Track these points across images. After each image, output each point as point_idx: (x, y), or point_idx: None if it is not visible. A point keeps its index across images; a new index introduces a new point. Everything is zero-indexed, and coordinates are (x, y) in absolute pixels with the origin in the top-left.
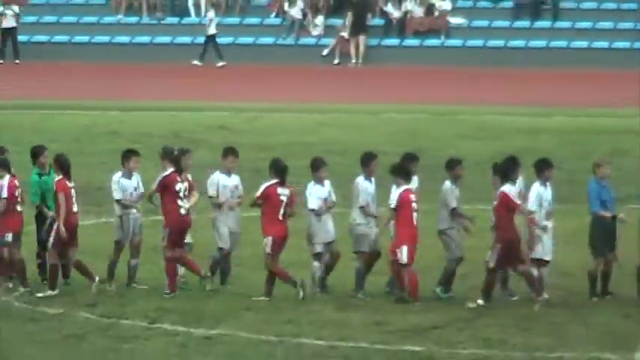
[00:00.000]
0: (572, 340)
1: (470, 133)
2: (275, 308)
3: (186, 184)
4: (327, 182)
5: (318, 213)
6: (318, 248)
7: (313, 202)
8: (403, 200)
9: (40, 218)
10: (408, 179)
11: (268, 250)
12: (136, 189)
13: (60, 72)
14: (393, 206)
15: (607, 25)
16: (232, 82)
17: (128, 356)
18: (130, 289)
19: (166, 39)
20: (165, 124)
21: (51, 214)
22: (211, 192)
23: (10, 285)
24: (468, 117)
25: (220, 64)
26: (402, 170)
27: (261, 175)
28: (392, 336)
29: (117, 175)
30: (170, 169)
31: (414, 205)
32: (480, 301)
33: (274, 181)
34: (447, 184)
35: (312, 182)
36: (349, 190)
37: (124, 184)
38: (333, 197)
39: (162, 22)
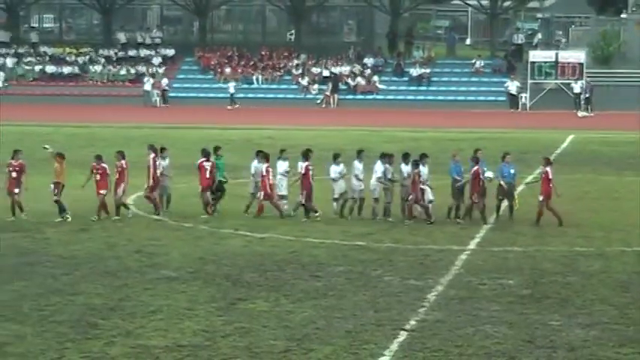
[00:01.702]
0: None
1: (389, 140)
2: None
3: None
4: (342, 164)
5: (335, 179)
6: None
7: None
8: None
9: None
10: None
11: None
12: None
13: None
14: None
15: None
16: (276, 117)
17: (224, 246)
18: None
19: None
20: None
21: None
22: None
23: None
24: (390, 133)
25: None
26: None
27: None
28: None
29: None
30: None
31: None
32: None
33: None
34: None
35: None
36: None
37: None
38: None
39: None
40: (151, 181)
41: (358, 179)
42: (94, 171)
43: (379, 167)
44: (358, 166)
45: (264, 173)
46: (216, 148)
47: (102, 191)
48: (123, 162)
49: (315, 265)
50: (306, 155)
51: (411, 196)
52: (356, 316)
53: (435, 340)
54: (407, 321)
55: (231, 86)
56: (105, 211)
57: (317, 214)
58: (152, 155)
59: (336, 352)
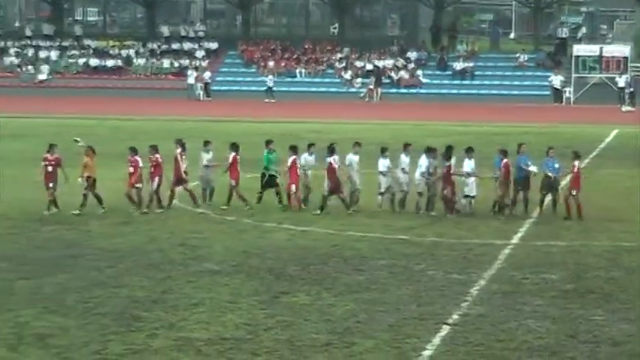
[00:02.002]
0: None
1: (432, 134)
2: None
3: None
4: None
5: (383, 173)
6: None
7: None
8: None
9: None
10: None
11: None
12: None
13: None
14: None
15: None
16: (319, 110)
17: (267, 240)
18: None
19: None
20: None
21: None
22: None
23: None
24: (434, 127)
25: (268, 100)
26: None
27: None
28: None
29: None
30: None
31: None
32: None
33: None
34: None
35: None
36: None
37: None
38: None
39: None
40: (178, 174)
41: (404, 172)
42: (128, 164)
43: (424, 161)
44: (405, 159)
45: (289, 165)
46: (268, 142)
47: (137, 185)
48: (157, 156)
49: (358, 258)
50: (331, 150)
51: (446, 190)
52: (398, 309)
53: (477, 334)
54: (449, 315)
55: (269, 80)
56: (132, 202)
57: (351, 210)
58: (179, 150)
59: (378, 346)
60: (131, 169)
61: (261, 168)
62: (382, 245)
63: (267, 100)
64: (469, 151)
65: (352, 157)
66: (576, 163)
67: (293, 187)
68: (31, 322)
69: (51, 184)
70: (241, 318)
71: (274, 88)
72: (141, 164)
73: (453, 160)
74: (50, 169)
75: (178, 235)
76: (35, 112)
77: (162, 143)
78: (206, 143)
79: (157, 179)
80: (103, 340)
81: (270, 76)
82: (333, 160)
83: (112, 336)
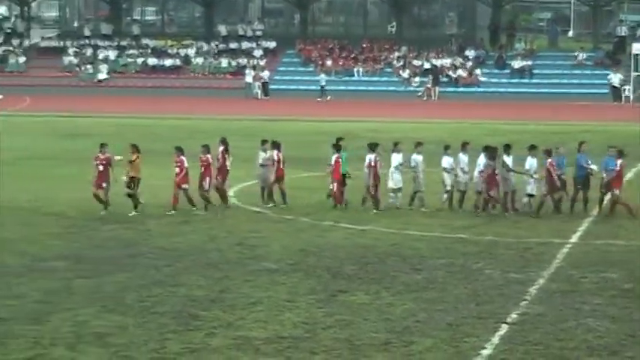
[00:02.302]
0: None
1: (490, 133)
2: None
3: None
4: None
5: (447, 170)
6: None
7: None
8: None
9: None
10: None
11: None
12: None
13: None
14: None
15: None
16: (377, 109)
17: (325, 239)
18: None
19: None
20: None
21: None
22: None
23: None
24: (492, 126)
25: (321, 99)
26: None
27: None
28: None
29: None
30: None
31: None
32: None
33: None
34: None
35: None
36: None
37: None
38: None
39: None
40: (219, 172)
41: (464, 172)
42: (174, 163)
43: (482, 160)
44: (463, 158)
45: (332, 163)
46: (338, 140)
47: (183, 185)
48: (208, 156)
49: (416, 257)
50: (372, 148)
51: (492, 191)
52: (457, 308)
53: (536, 333)
54: (508, 314)
55: (323, 79)
56: (175, 202)
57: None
58: (221, 148)
59: (437, 345)
60: (177, 170)
61: (328, 167)
62: (441, 244)
63: (319, 99)
64: (532, 148)
65: (416, 157)
66: (619, 161)
67: (333, 185)
68: (90, 320)
69: (104, 184)
70: (299, 317)
71: (327, 87)
72: (186, 164)
73: (509, 159)
74: (101, 168)
75: (236, 234)
76: (94, 112)
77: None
78: (263, 142)
79: (207, 179)
80: (161, 339)
81: (323, 75)
82: (372, 158)
83: (170, 335)
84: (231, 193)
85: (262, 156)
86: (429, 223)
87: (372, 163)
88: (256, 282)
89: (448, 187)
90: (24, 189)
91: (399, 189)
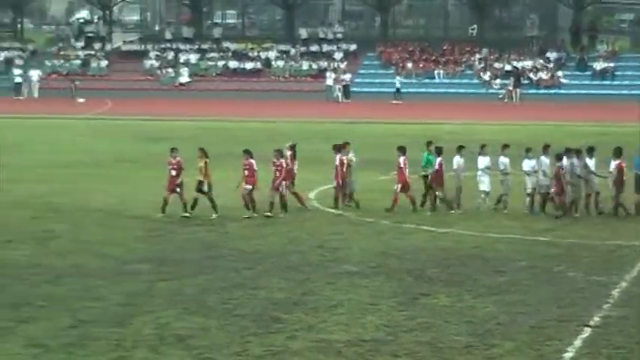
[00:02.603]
0: None
1: (572, 135)
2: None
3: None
4: (534, 159)
5: (528, 173)
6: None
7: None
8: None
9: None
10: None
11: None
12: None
13: None
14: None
15: None
16: (458, 112)
17: (406, 241)
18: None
19: None
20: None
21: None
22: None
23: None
24: (574, 128)
25: (396, 101)
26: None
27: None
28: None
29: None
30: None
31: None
32: None
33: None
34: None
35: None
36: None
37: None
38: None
39: None
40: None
41: (545, 175)
42: (243, 167)
43: (565, 162)
44: (545, 161)
45: (402, 165)
46: (429, 143)
47: (247, 186)
48: (282, 160)
49: (498, 260)
50: (439, 151)
51: (552, 190)
52: (539, 311)
53: (619, 337)
54: (590, 317)
55: (398, 81)
56: (252, 206)
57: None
58: (289, 153)
59: (519, 348)
60: (246, 172)
61: (420, 169)
62: (523, 247)
63: (394, 102)
64: (591, 150)
65: (504, 160)
66: None
67: (398, 186)
68: (171, 323)
69: (178, 189)
70: (381, 319)
71: (406, 90)
72: (255, 167)
73: (592, 162)
74: (174, 172)
75: (317, 236)
76: (175, 115)
77: (300, 145)
78: (345, 145)
79: (282, 183)
80: (243, 342)
81: (399, 78)
82: (436, 162)
83: (251, 337)
84: (311, 195)
85: (345, 159)
86: (511, 226)
87: (437, 167)
88: (338, 284)
89: (529, 190)
90: (106, 191)
91: (487, 192)
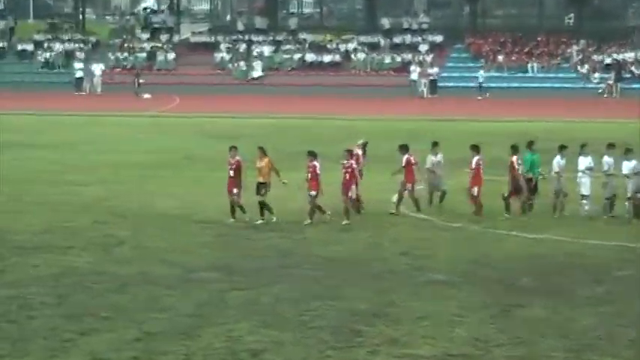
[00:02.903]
0: None
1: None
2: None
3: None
4: (634, 160)
5: (629, 176)
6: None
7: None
8: None
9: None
10: None
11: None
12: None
13: None
14: None
15: None
16: (553, 108)
17: (497, 248)
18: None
19: None
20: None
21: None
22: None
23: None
24: None
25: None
26: None
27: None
28: None
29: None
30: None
31: None
32: None
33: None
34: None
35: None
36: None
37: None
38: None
39: None
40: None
41: None
42: (306, 168)
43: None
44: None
45: (474, 166)
46: (531, 143)
47: (311, 192)
48: (352, 162)
49: (597, 268)
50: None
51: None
52: None
53: None
54: None
55: (481, 75)
56: (320, 211)
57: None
58: (360, 152)
59: None
60: (308, 175)
61: (523, 171)
62: (623, 254)
63: (479, 98)
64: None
65: (608, 160)
66: None
67: (475, 189)
68: (244, 336)
69: (235, 190)
70: (470, 333)
71: (489, 85)
72: (319, 170)
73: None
74: (232, 173)
75: (401, 243)
76: (247, 112)
77: (382, 144)
78: (434, 145)
79: (353, 187)
80: (321, 356)
81: (482, 72)
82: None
83: (330, 351)
84: (394, 199)
85: (430, 160)
86: (610, 231)
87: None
88: (423, 295)
89: (629, 194)
90: (173, 194)
91: (586, 196)
